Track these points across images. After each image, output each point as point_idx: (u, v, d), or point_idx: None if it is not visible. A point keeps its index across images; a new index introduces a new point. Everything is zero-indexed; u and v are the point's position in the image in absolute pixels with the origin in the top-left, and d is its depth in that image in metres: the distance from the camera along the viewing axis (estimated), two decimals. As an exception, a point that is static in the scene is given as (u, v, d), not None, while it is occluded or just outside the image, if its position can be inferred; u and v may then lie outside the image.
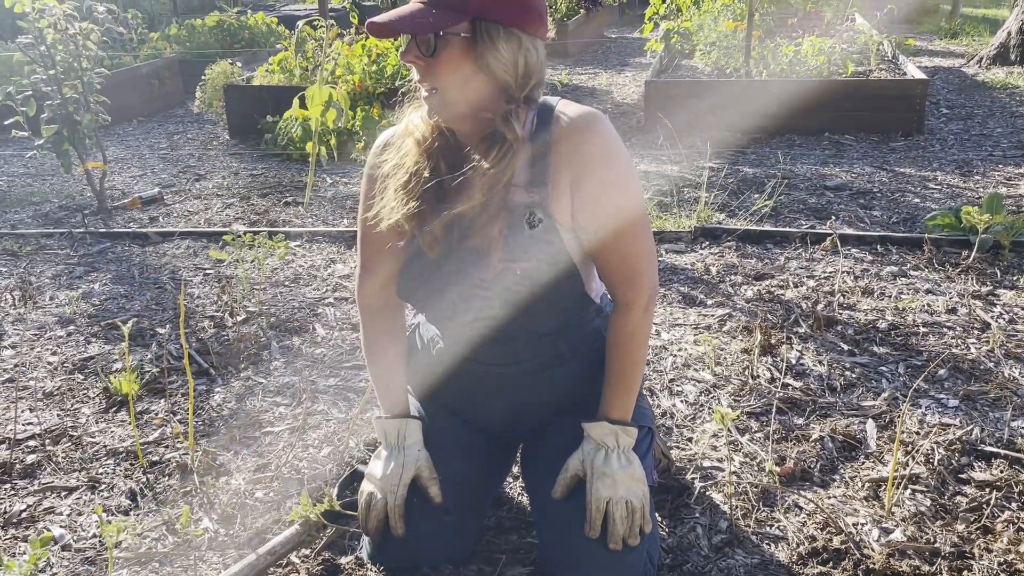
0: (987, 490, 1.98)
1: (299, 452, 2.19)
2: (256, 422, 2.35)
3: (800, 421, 2.30)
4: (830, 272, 3.27)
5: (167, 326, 2.94)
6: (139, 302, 3.19)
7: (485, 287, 1.55)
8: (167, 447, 2.24)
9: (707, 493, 2.01)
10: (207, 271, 3.48)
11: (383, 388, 1.70)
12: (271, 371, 2.64)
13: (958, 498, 1.96)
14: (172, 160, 5.47)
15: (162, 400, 2.48)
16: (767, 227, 3.77)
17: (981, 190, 4.30)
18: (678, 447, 2.21)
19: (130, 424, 2.31)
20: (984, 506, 1.93)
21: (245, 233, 3.22)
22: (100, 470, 2.15)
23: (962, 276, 3.19)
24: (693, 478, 2.06)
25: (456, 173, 1.50)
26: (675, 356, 2.69)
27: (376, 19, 1.41)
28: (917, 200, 4.19)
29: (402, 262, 1.61)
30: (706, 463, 2.13)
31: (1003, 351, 2.62)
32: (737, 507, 1.95)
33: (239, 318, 2.98)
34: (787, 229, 3.71)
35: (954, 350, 2.64)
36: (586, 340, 1.71)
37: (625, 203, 1.54)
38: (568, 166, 1.49)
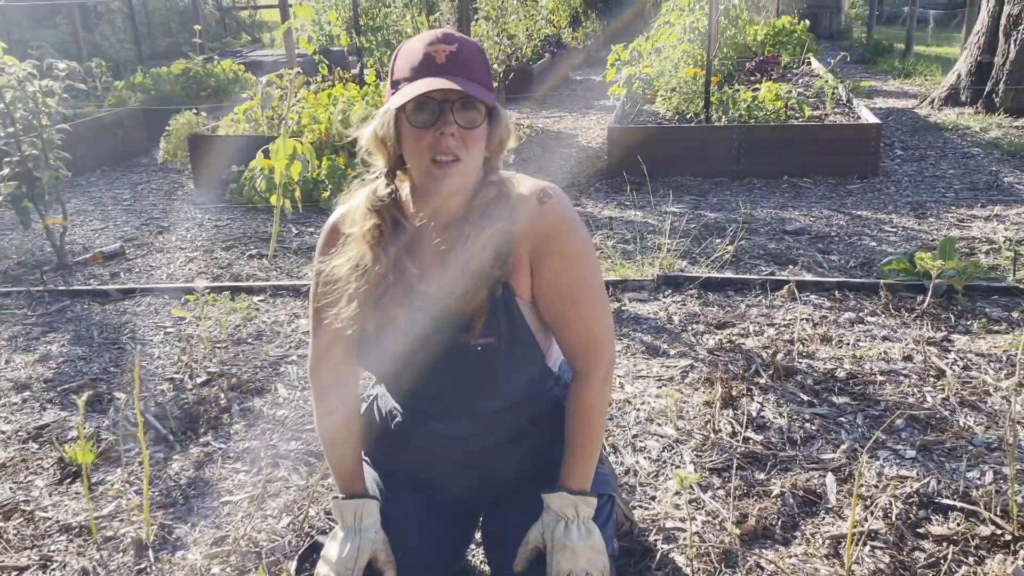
0: (944, 544, 2.01)
1: (258, 523, 2.15)
2: (215, 491, 2.31)
3: (761, 476, 2.32)
4: (789, 320, 3.32)
5: (125, 391, 2.90)
6: (98, 364, 3.15)
7: (445, 363, 1.56)
8: (122, 521, 2.19)
9: (670, 555, 2.01)
10: (168, 329, 3.45)
11: (338, 467, 1.68)
12: (231, 435, 2.61)
13: (916, 554, 1.98)
14: (135, 212, 5.44)
15: (118, 470, 2.43)
16: (728, 274, 3.83)
17: (935, 232, 4.40)
18: (641, 506, 2.21)
19: (84, 497, 2.26)
20: (942, 561, 1.95)
21: (208, 292, 3.21)
22: (52, 547, 2.10)
23: (917, 322, 3.25)
24: (656, 540, 2.06)
25: (414, 258, 1.52)
26: (638, 410, 2.71)
27: (439, 85, 1.37)
28: (874, 244, 4.28)
29: (361, 336, 1.61)
30: (669, 523, 2.13)
31: (958, 399, 2.67)
32: (699, 570, 1.95)
33: (199, 380, 2.95)
34: (747, 276, 3.77)
35: (910, 399, 2.69)
36: (547, 411, 1.72)
37: (584, 277, 1.56)
38: (527, 241, 1.52)
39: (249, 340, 3.32)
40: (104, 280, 4.15)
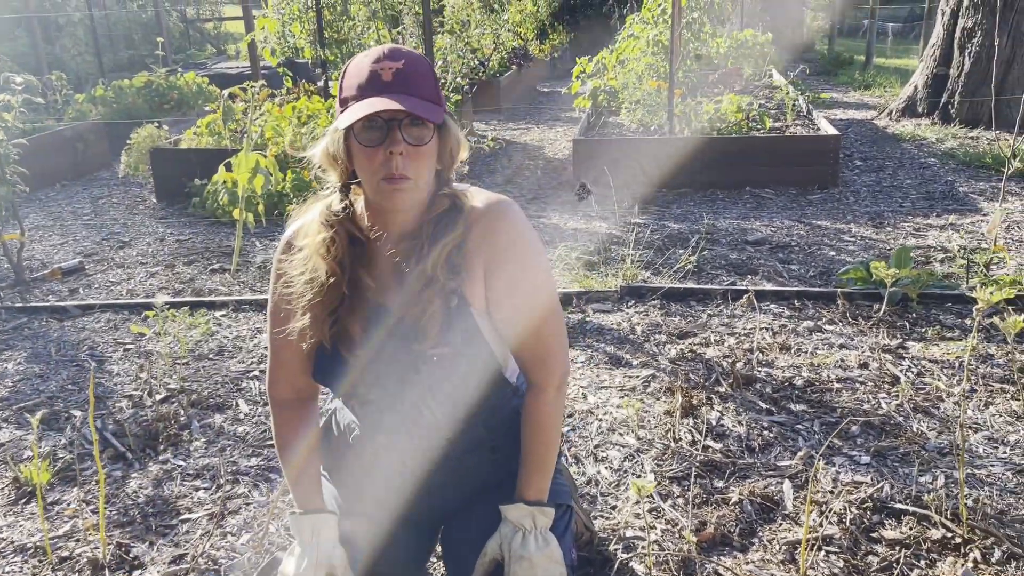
0: (897, 548, 2.05)
1: (217, 540, 2.14)
2: (173, 509, 2.29)
3: (720, 484, 2.35)
4: (750, 329, 3.37)
5: (83, 409, 2.86)
6: (55, 382, 3.10)
7: (402, 374, 1.56)
8: (78, 541, 2.16)
9: (629, 564, 2.03)
10: (128, 346, 3.41)
11: (296, 483, 1.68)
12: (191, 452, 2.58)
13: (870, 558, 2.02)
14: (95, 226, 5.37)
15: (75, 489, 2.40)
16: (690, 284, 3.87)
17: (893, 241, 4.49)
18: (602, 516, 2.23)
19: (40, 517, 2.23)
20: (895, 565, 1.99)
21: (168, 308, 3.18)
22: (7, 568, 2.06)
23: (874, 329, 3.31)
24: (616, 549, 2.08)
25: (370, 271, 1.53)
26: (600, 420, 2.73)
27: (385, 105, 1.37)
28: (833, 253, 4.35)
29: (317, 350, 1.62)
30: (629, 532, 2.15)
31: (911, 405, 2.72)
32: (658, 578, 1.97)
33: (158, 396, 2.92)
34: (709, 286, 3.82)
35: (866, 406, 2.74)
36: (505, 421, 1.73)
37: (538, 289, 1.59)
38: (481, 253, 1.53)
39: (210, 356, 3.30)
40: (63, 296, 4.09)
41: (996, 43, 5.83)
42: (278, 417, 1.71)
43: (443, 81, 6.49)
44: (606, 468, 2.45)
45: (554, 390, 1.63)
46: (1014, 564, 1.96)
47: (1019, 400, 2.71)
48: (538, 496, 1.64)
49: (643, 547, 2.07)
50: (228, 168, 4.48)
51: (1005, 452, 2.45)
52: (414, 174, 1.43)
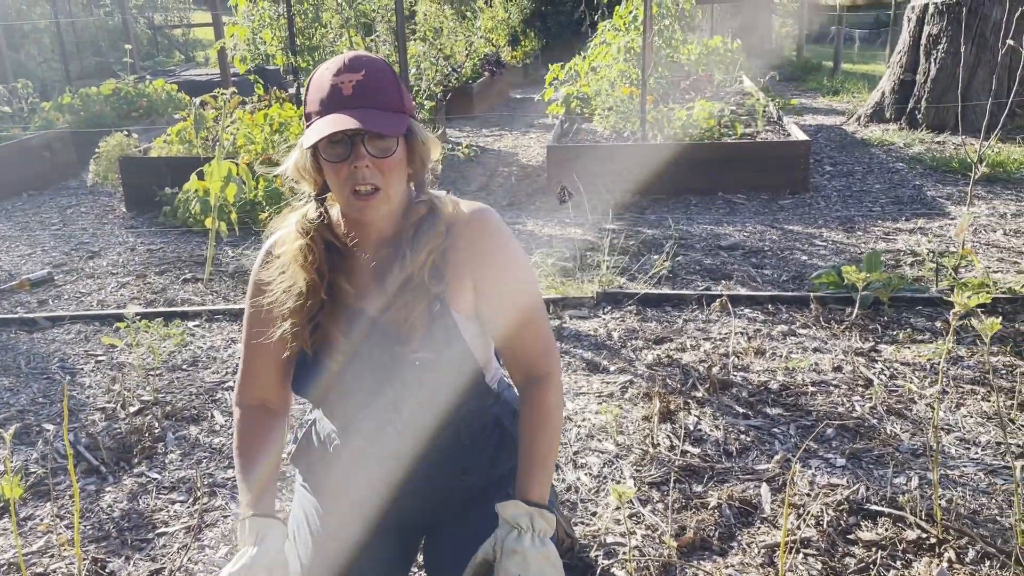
0: (873, 549, 2.07)
1: (195, 554, 2.11)
2: (149, 523, 2.26)
3: (699, 488, 2.36)
4: (725, 333, 3.40)
5: (55, 422, 2.81)
6: (25, 395, 3.05)
7: (383, 379, 1.56)
8: (52, 556, 2.13)
9: (611, 570, 2.03)
10: (99, 358, 3.36)
11: (248, 486, 1.59)
12: (166, 465, 2.55)
13: (847, 559, 2.05)
14: (64, 237, 5.29)
15: (48, 504, 2.36)
16: (665, 290, 3.90)
17: (863, 245, 4.55)
18: (583, 522, 2.23)
19: (13, 533, 2.19)
20: (871, 566, 2.02)
21: (140, 319, 3.14)
22: (-23, 587, 2.03)
23: (846, 333, 3.36)
24: (596, 555, 2.09)
25: (351, 277, 1.54)
26: (579, 427, 2.73)
27: (344, 124, 1.37)
28: (805, 257, 4.40)
29: (295, 360, 1.61)
30: (609, 538, 2.16)
31: (885, 407, 2.76)
32: (639, 584, 1.98)
33: (132, 409, 2.88)
34: (684, 292, 3.84)
35: (840, 408, 2.77)
36: (485, 428, 1.73)
37: (527, 289, 1.63)
38: (468, 262, 1.55)
39: (184, 367, 3.26)
40: (31, 308, 4.02)
41: (961, 49, 5.95)
42: (241, 422, 1.66)
43: (417, 89, 6.49)
44: (585, 474, 2.46)
45: (558, 378, 1.66)
46: (988, 563, 2.00)
47: (990, 401, 2.76)
48: (540, 497, 1.55)
49: (624, 553, 2.08)
50: (200, 176, 4.44)
51: (977, 453, 2.50)
52: (384, 184, 1.44)
